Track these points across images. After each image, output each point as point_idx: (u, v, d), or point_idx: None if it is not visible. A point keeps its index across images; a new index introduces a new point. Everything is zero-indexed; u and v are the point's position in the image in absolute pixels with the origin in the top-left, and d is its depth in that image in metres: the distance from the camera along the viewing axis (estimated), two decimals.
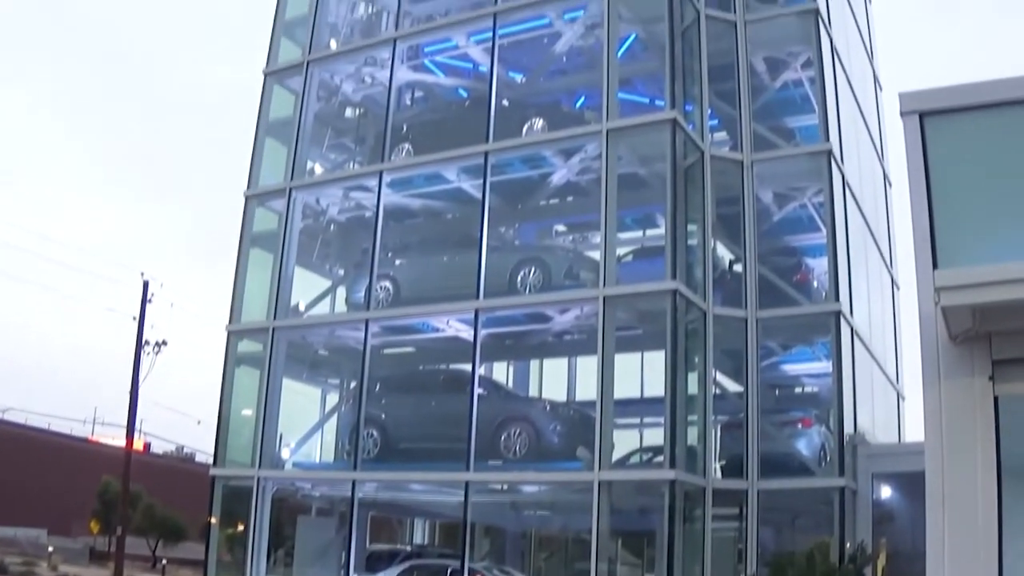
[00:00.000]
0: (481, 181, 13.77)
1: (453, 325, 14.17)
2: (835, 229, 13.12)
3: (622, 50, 14.26)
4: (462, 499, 12.35)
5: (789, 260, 14.55)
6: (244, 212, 15.75)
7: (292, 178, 15.57)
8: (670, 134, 12.59)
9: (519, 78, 16.11)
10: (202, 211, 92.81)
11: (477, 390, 12.78)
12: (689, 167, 13.12)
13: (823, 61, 13.88)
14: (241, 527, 13.94)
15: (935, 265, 5.22)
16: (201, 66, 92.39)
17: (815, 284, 14.13)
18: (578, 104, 15.65)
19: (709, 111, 14.03)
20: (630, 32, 14.39)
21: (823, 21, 14.30)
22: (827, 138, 13.55)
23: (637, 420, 14.97)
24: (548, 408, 13.24)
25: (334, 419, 15.62)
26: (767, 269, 13.40)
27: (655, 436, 12.55)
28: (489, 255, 13.35)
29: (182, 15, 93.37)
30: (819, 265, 14.19)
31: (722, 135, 15.23)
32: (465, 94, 16.48)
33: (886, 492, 12.10)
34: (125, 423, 22.26)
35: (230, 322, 15.05)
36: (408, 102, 17.06)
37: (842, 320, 12.77)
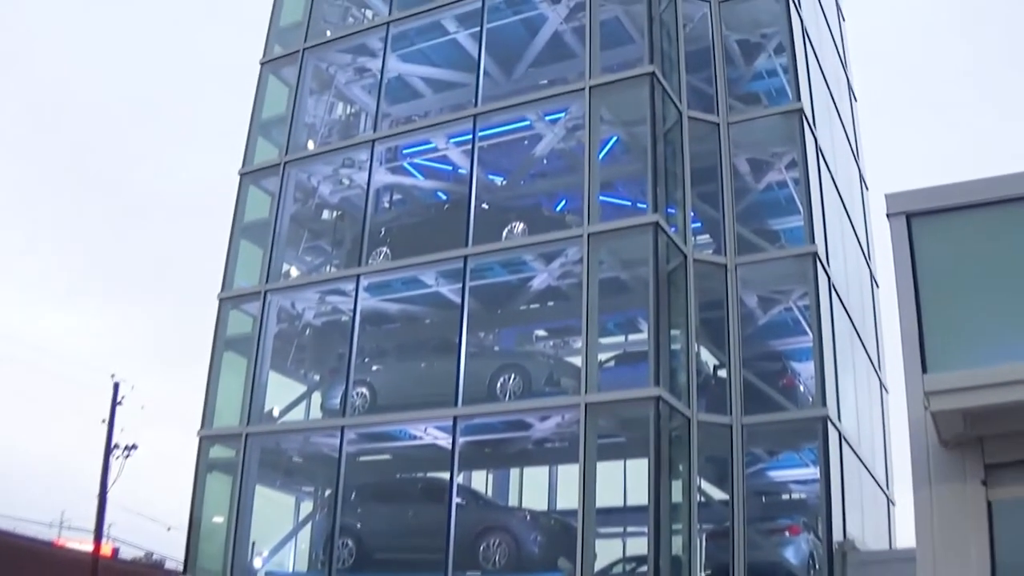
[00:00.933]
0: (460, 285, 13.79)
1: (431, 432, 13.94)
2: (821, 332, 12.95)
3: (603, 152, 14.43)
4: None
5: (775, 364, 14.30)
6: (218, 315, 15.67)
7: (267, 281, 15.49)
8: (652, 237, 12.59)
9: (499, 180, 16.24)
10: (174, 314, 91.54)
11: (455, 499, 12.59)
12: (672, 271, 13.08)
13: (808, 161, 13.94)
14: None
15: (924, 369, 5.21)
16: (169, 166, 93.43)
17: (802, 388, 14.09)
18: (559, 207, 15.78)
19: (692, 214, 14.08)
20: (612, 134, 14.52)
21: (807, 121, 14.41)
22: (812, 240, 13.37)
23: (620, 529, 14.39)
24: (528, 517, 13.03)
25: (308, 528, 15.34)
26: (752, 374, 13.27)
27: (639, 546, 12.38)
28: (468, 361, 13.15)
29: (146, 114, 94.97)
30: (805, 369, 14.13)
31: (705, 238, 15.20)
32: (444, 197, 16.58)
33: None
34: (93, 527, 21.88)
35: (202, 427, 14.71)
36: (386, 204, 17.17)
37: (829, 425, 12.45)
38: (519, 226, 14.05)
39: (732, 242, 13.71)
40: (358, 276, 14.58)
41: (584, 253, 12.89)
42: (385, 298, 15.21)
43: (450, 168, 16.40)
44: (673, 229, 13.19)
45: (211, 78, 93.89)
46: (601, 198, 13.39)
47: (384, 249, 14.85)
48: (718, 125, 14.45)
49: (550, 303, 15.49)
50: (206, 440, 14.62)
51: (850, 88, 19.51)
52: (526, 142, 15.60)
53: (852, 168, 18.09)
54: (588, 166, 13.31)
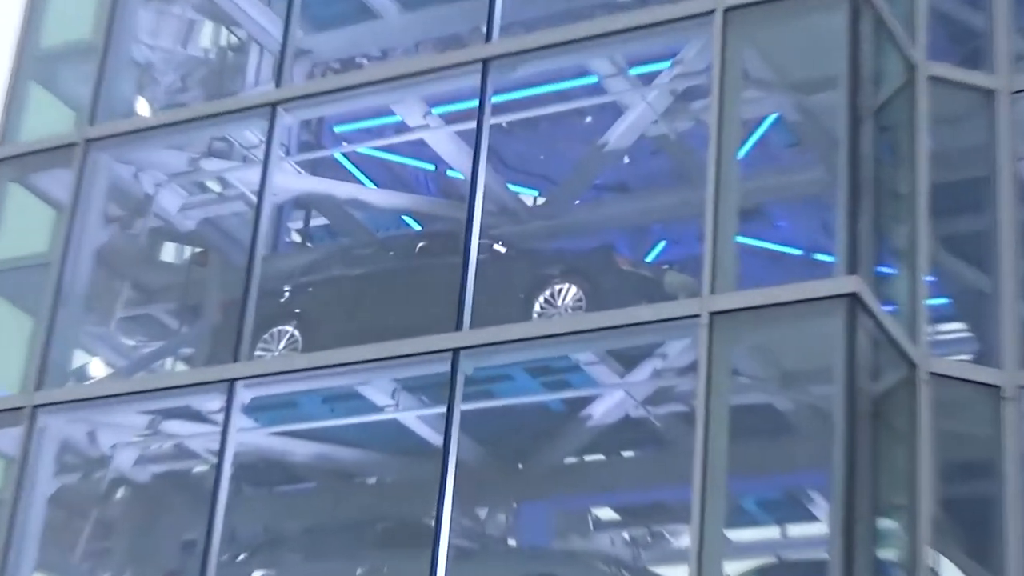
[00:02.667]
0: (444, 410, 13.38)
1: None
2: None
3: (748, 145, 14.65)
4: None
5: None
6: None
7: (40, 386, 15.17)
8: (845, 325, 11.98)
9: (531, 197, 16.96)
10: None
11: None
12: (886, 395, 12.71)
13: None
14: None
15: None
16: None
17: None
18: (651, 255, 16.63)
19: (933, 278, 13.78)
20: (768, 109, 14.89)
21: None
22: None
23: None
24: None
25: None
26: None
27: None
28: (455, 565, 12.89)
29: None
30: None
31: (958, 329, 15.52)
32: (415, 226, 17.61)
33: None
34: None
35: None
36: (296, 238, 18.48)
37: None
38: (568, 292, 14.33)
39: (1015, 338, 13.55)
40: (231, 383, 14.43)
41: (702, 351, 12.35)
42: (286, 430, 15.64)
43: (431, 167, 17.27)
44: (891, 309, 12.92)
45: None
46: (740, 239, 13.49)
47: (289, 330, 15.28)
48: (994, 95, 14.24)
49: (626, 453, 16.15)
50: None
51: None
52: (588, 120, 16.56)
53: None
54: (716, 172, 13.01)
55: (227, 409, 14.44)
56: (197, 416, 15.40)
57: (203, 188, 17.46)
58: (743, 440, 12.61)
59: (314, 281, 16.38)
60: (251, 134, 16.35)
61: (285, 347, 15.35)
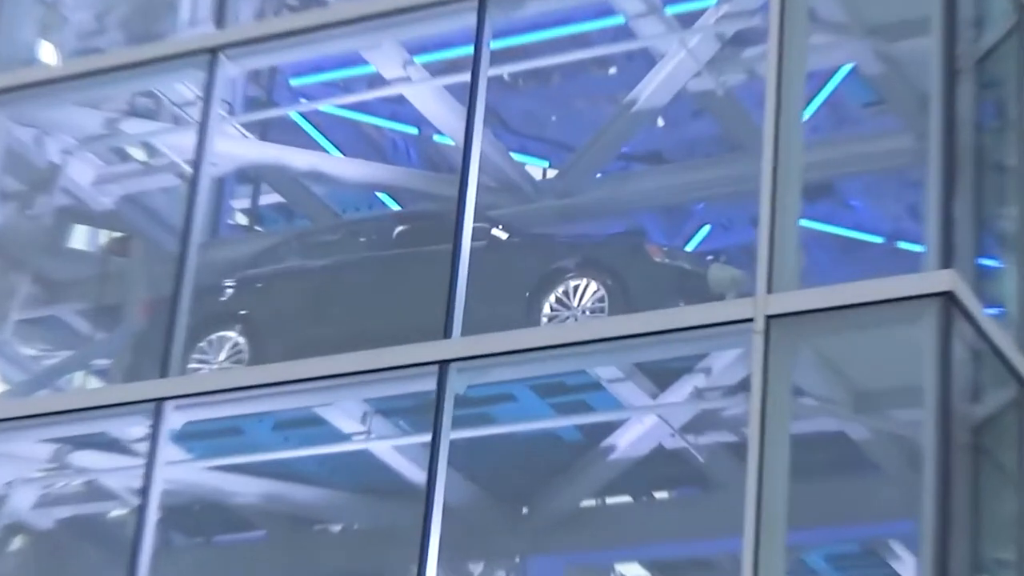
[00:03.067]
0: (428, 438, 13.42)
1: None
2: None
3: (815, 104, 15.06)
4: None
5: None
6: None
7: None
8: (936, 334, 12.03)
9: (539, 169, 17.61)
10: None
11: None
12: (990, 422, 12.76)
13: None
14: None
15: None
16: None
17: None
18: (692, 243, 16.95)
19: None
20: (840, 59, 15.13)
21: None
22: None
23: None
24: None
25: None
26: None
27: None
28: None
29: None
30: None
31: None
32: (393, 205, 18.06)
33: None
34: None
35: None
36: (243, 221, 19.18)
37: None
38: (587, 289, 14.54)
39: None
40: (159, 404, 14.52)
41: (756, 365, 12.42)
42: (227, 464, 15.79)
43: (413, 131, 17.91)
44: (995, 311, 13.00)
45: None
46: (804, 224, 13.54)
47: (233, 337, 15.51)
48: None
49: (658, 494, 16.50)
50: None
51: None
52: (612, 71, 17.21)
53: None
54: (775, 138, 13.08)
55: (153, 437, 14.42)
56: (115, 446, 15.46)
57: (124, 156, 17.70)
58: (807, 479, 12.67)
59: (264, 275, 16.52)
60: (185, 88, 16.36)
61: (227, 358, 15.46)
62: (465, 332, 14.03)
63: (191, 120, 16.29)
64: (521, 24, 15.47)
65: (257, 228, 19.68)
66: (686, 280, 15.15)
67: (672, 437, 15.15)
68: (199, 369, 15.67)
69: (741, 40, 15.23)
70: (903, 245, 15.82)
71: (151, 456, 14.63)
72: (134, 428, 15.28)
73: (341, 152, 18.39)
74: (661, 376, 14.69)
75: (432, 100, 16.35)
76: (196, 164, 15.88)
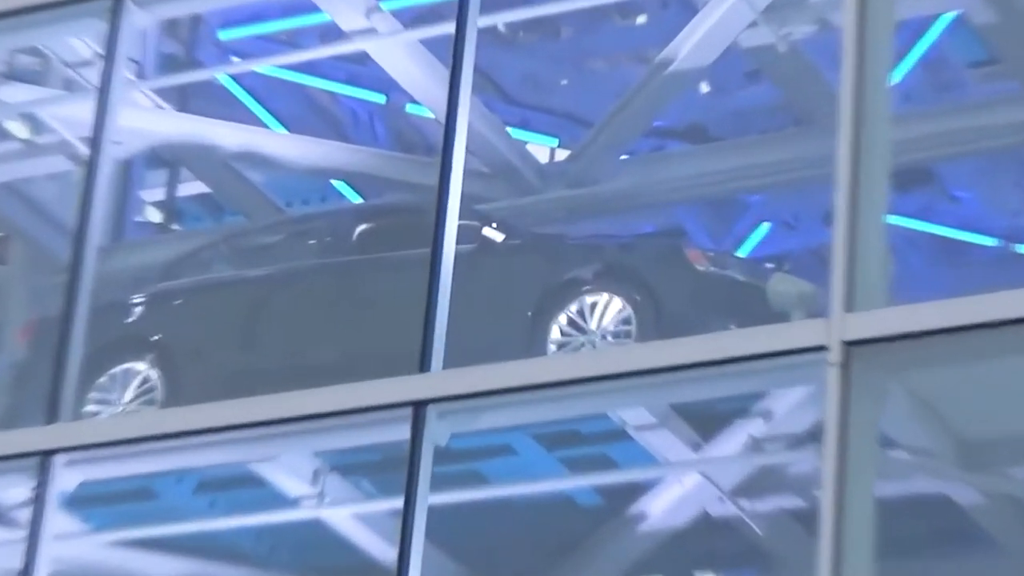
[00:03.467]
0: (401, 504, 13.43)
1: None
2: None
3: (908, 64, 15.62)
4: None
5: None
6: None
7: None
8: None
9: (546, 149, 18.09)
10: None
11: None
12: None
13: None
14: None
15: None
16: None
17: None
18: (746, 246, 17.29)
19: None
20: (943, 5, 15.61)
21: None
22: None
23: None
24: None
25: None
26: None
27: None
28: None
29: None
30: None
31: None
32: (353, 197, 18.91)
33: None
34: None
35: None
36: (156, 217, 19.75)
37: None
38: (608, 307, 14.81)
39: None
40: (44, 457, 14.61)
41: (831, 407, 12.36)
42: (134, 539, 16.06)
43: (380, 99, 18.51)
44: None
45: None
46: (893, 220, 14.04)
47: (142, 370, 15.81)
48: None
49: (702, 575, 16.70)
50: None
51: None
52: (640, 21, 18.11)
53: None
54: (854, 109, 13.14)
55: (38, 501, 14.38)
56: None
57: None
58: (899, 556, 12.70)
59: (184, 289, 16.58)
60: (80, 44, 16.43)
61: (135, 398, 15.51)
62: (448, 364, 13.95)
63: (88, 85, 16.34)
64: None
65: (174, 227, 19.68)
66: (738, 295, 15.14)
67: (720, 502, 15.01)
68: (97, 413, 15.59)
69: None
70: (1022, 249, 15.70)
71: (34, 527, 14.53)
72: (12, 490, 15.22)
73: (285, 127, 18.46)
74: (706, 422, 14.62)
75: (405, 59, 16.37)
76: (94, 143, 15.78)
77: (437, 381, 13.75)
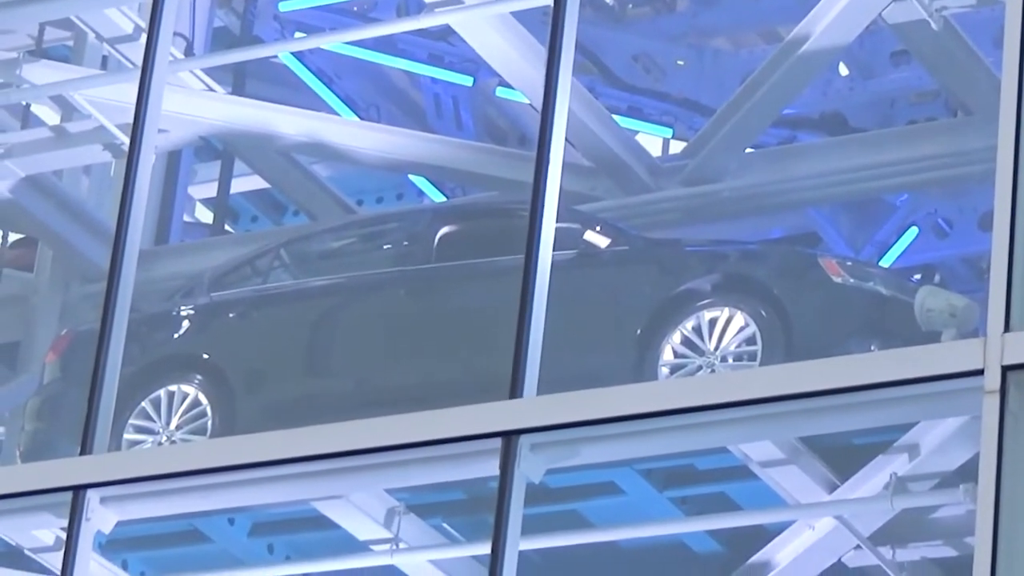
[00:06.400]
0: (489, 549, 13.44)
1: None
2: None
3: None
4: None
5: None
6: None
7: None
8: None
9: (658, 140, 17.66)
10: None
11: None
12: None
13: None
14: None
15: None
16: None
17: None
18: (891, 255, 17.50)
19: None
20: None
21: None
22: None
23: None
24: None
25: None
26: None
27: None
28: None
29: None
30: None
31: None
32: (434, 196, 19.37)
33: None
34: None
35: None
36: (207, 217, 20.08)
37: None
38: (730, 324, 15.16)
39: None
40: (77, 492, 14.69)
41: (988, 440, 12.50)
42: None
43: (467, 82, 18.89)
44: None
45: None
46: None
47: (191, 393, 16.07)
48: None
49: None
50: None
51: None
52: None
53: None
54: (1018, 96, 13.20)
55: (69, 543, 14.43)
56: (11, 558, 15.83)
57: (24, 118, 18.03)
58: None
59: (238, 300, 16.78)
60: (120, 16, 16.56)
61: (182, 426, 15.73)
62: (543, 389, 13.98)
63: (129, 64, 16.52)
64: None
65: (228, 228, 19.71)
66: (880, 311, 15.17)
67: (859, 550, 15.08)
68: (139, 443, 15.80)
69: None
70: None
71: (65, 573, 14.57)
72: (40, 531, 15.30)
73: (355, 114, 18.53)
74: (842, 458, 14.74)
75: (495, 35, 16.41)
76: (136, 130, 15.73)
77: (530, 408, 13.76)
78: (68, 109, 17.94)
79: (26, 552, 15.70)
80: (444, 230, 16.88)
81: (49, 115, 18.23)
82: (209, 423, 15.81)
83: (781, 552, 15.18)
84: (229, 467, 14.68)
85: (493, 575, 13.52)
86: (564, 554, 15.25)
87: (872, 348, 14.56)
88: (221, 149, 19.15)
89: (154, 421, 15.96)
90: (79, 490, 14.66)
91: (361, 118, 18.92)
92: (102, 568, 15.17)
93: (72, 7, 17.18)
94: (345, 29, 18.33)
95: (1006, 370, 12.53)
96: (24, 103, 18.50)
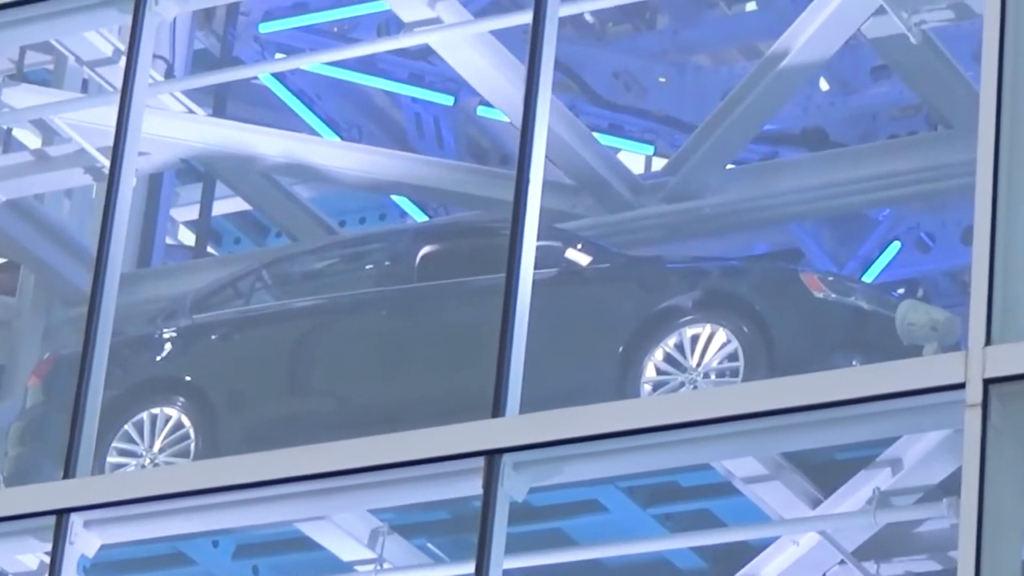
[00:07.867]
0: (472, 569, 13.54)
1: None
2: None
3: None
4: None
5: None
6: None
7: None
8: None
9: (639, 157, 17.55)
10: None
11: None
12: None
13: None
14: None
15: None
16: None
17: None
18: (872, 270, 17.64)
19: None
20: None
21: None
22: None
23: None
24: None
25: None
26: None
27: None
28: None
29: None
30: None
31: None
32: (416, 215, 19.35)
33: None
34: None
35: None
36: (189, 239, 19.82)
37: None
38: (712, 341, 15.19)
39: None
40: (61, 516, 14.76)
41: (970, 455, 12.49)
42: None
43: (447, 101, 18.79)
44: None
45: None
46: None
47: (173, 415, 16.25)
48: None
49: None
50: None
51: None
52: (749, 8, 18.35)
53: None
54: (997, 108, 13.20)
55: (53, 567, 14.46)
56: None
57: (5, 142, 17.98)
58: None
59: (221, 322, 16.85)
60: (99, 37, 16.58)
61: (165, 449, 15.76)
62: (526, 408, 13.97)
63: (109, 88, 16.52)
64: None
65: (210, 251, 19.72)
66: (863, 326, 15.20)
67: (843, 565, 15.13)
68: (122, 466, 15.82)
69: None
70: None
71: None
72: (23, 556, 15.34)
73: (337, 135, 18.54)
74: (825, 473, 14.75)
75: (475, 54, 16.42)
76: (117, 154, 15.73)
77: (513, 427, 13.76)
78: (49, 133, 17.93)
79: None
80: (425, 249, 16.94)
81: (30, 139, 18.19)
82: (192, 445, 15.85)
83: (765, 568, 15.25)
84: (213, 489, 14.71)
85: None
86: (548, 572, 15.22)
87: (854, 363, 14.55)
88: (203, 171, 19.19)
89: (137, 444, 15.99)
90: (63, 514, 14.69)
91: (342, 139, 18.97)
92: None
93: (52, 30, 17.08)
94: (325, 50, 18.34)
95: (988, 383, 12.58)
96: (5, 127, 18.45)
